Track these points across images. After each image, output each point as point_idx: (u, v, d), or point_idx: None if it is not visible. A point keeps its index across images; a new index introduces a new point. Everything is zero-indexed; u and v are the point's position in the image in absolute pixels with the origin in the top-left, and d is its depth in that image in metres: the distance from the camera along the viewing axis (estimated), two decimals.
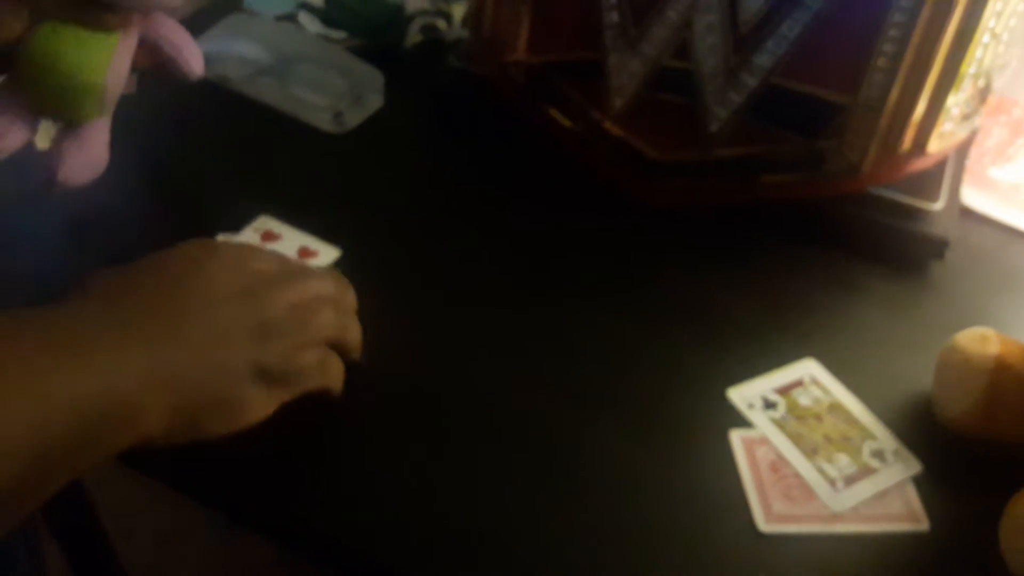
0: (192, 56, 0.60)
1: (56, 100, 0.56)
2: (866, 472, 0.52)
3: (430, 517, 0.49)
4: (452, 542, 0.48)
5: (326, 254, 0.63)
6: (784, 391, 0.56)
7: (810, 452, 0.53)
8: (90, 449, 0.42)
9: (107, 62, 0.56)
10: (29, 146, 0.58)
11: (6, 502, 0.39)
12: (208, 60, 0.78)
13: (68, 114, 0.58)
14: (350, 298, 0.55)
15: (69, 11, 0.53)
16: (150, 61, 0.59)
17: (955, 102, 0.62)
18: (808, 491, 0.51)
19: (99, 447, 0.43)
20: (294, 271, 0.53)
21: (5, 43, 0.52)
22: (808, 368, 0.58)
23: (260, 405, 0.48)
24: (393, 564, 0.48)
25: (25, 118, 0.56)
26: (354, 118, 0.75)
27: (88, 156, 0.59)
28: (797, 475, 0.52)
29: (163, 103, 0.76)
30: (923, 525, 0.50)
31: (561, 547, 0.48)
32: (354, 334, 0.54)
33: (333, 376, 0.52)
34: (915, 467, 0.52)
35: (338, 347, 0.53)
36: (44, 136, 0.61)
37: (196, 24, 0.82)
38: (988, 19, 0.58)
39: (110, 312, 0.46)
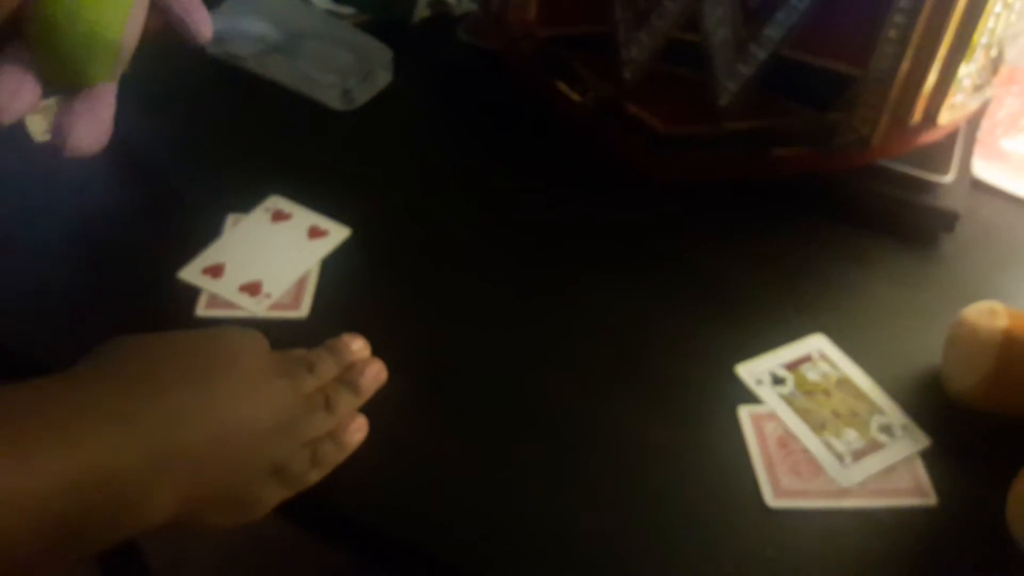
0: (202, 19, 0.60)
1: (71, 60, 0.55)
2: (874, 447, 0.52)
3: (433, 488, 0.50)
4: (460, 517, 0.49)
5: (336, 233, 0.63)
6: (792, 366, 0.56)
7: (818, 427, 0.53)
8: (89, 533, 0.41)
9: (124, 18, 0.55)
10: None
11: None
12: (217, 37, 0.78)
13: (80, 76, 0.57)
14: (355, 371, 0.53)
15: None
16: (159, 21, 0.58)
17: (966, 73, 0.62)
18: (816, 466, 0.51)
19: (99, 532, 0.41)
20: (312, 361, 0.51)
21: (9, 9, 0.52)
22: (817, 343, 0.58)
23: (268, 503, 0.47)
24: (400, 536, 0.49)
25: (33, 81, 0.55)
26: (363, 95, 0.75)
27: (97, 123, 0.59)
28: (805, 450, 0.52)
29: (171, 81, 0.76)
30: (931, 499, 0.50)
31: (570, 521, 0.49)
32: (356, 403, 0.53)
33: (331, 464, 0.50)
34: (923, 441, 0.52)
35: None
36: (36, 124, 0.61)
37: (206, 2, 0.82)
38: None
39: (126, 384, 0.44)
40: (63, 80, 0.57)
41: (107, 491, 0.40)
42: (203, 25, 0.59)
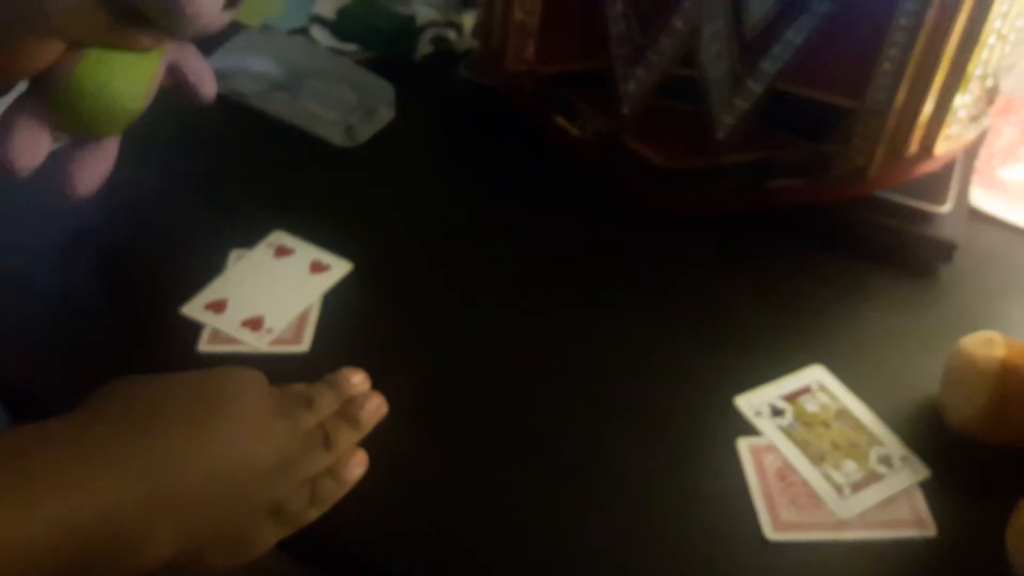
0: (209, 81, 0.61)
1: (91, 123, 0.57)
2: (873, 478, 0.52)
3: (433, 519, 0.50)
4: (454, 543, 0.49)
5: (338, 268, 0.64)
6: (791, 398, 0.56)
7: (817, 459, 0.53)
8: (90, 575, 0.41)
9: (148, 88, 0.57)
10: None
11: None
12: (222, 76, 0.79)
13: (95, 135, 0.58)
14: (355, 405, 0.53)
15: (111, 39, 0.53)
16: (169, 83, 0.60)
17: (962, 104, 0.62)
18: (815, 498, 0.51)
19: (100, 573, 0.41)
20: (311, 396, 0.52)
21: (35, 71, 0.53)
22: (815, 374, 0.58)
23: (266, 542, 0.48)
24: (408, 571, 0.49)
25: (48, 136, 0.56)
26: (366, 131, 0.76)
27: (101, 168, 0.60)
28: (804, 482, 0.52)
29: (176, 120, 0.77)
30: (930, 531, 0.50)
31: (567, 552, 0.49)
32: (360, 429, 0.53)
33: (331, 501, 0.50)
34: (922, 472, 0.52)
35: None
36: None
37: (210, 40, 0.83)
38: (994, 20, 0.58)
39: (125, 428, 0.44)
40: (75, 135, 0.58)
41: (107, 533, 0.41)
42: (210, 87, 0.61)
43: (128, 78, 0.55)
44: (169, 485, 0.43)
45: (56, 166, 0.59)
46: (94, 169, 0.60)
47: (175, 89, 0.60)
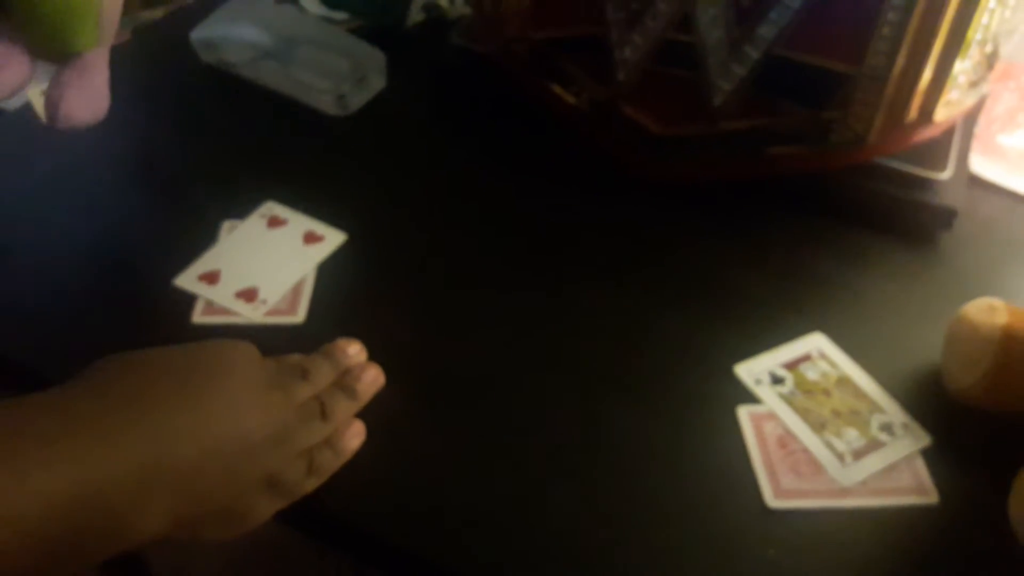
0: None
1: (53, 28, 0.55)
2: (875, 446, 0.52)
3: (434, 494, 0.50)
4: (458, 519, 0.49)
5: (332, 238, 0.63)
6: (792, 366, 0.56)
7: (818, 427, 0.53)
8: (82, 550, 0.40)
9: None
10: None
11: None
12: (211, 44, 0.78)
13: (66, 44, 0.56)
14: (353, 376, 0.53)
15: None
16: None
17: (962, 69, 0.61)
18: (817, 466, 0.51)
19: (92, 548, 0.41)
20: (307, 368, 0.51)
21: None
22: (816, 342, 0.57)
23: (263, 514, 0.47)
24: (401, 542, 0.48)
25: (21, 53, 0.55)
26: (357, 100, 0.75)
27: (89, 91, 0.58)
28: (805, 450, 0.52)
29: (165, 89, 0.76)
30: (932, 498, 0.50)
31: (568, 523, 0.49)
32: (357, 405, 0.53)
33: (328, 472, 0.50)
34: (924, 440, 0.52)
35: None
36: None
37: (199, 9, 0.82)
38: None
39: (117, 401, 0.43)
40: (51, 50, 0.56)
41: (98, 508, 0.40)
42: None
43: None
44: (161, 459, 0.42)
45: (48, 99, 0.57)
46: (83, 90, 0.58)
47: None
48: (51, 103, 0.57)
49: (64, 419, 0.41)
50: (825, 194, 0.67)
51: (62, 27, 0.55)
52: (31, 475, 0.38)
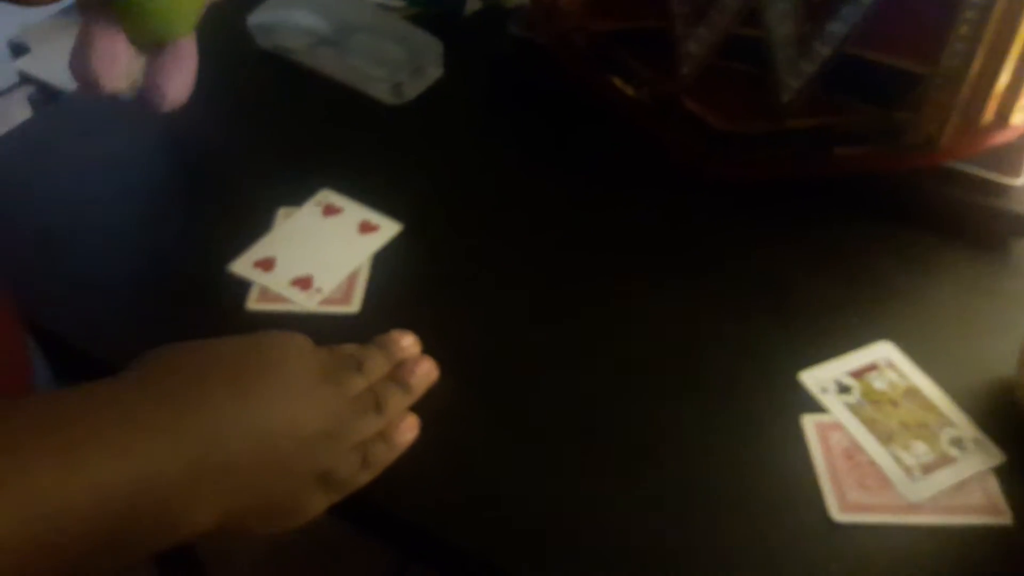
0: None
1: (160, 20, 0.56)
2: (944, 461, 0.50)
3: (487, 492, 0.49)
4: (505, 511, 0.48)
5: (388, 228, 0.62)
6: (858, 375, 0.54)
7: (885, 439, 0.51)
8: (132, 542, 0.40)
9: None
10: None
11: None
12: (268, 29, 0.78)
13: (166, 34, 0.57)
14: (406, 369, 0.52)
15: None
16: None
17: None
18: (884, 479, 0.49)
19: (142, 540, 0.41)
20: (361, 359, 0.50)
21: None
22: (884, 351, 0.56)
23: (315, 509, 0.47)
24: (455, 538, 0.48)
25: (126, 44, 0.56)
26: (413, 89, 0.74)
27: (186, 74, 0.59)
28: (872, 462, 0.50)
29: (222, 75, 0.76)
30: (1005, 518, 0.48)
31: (629, 529, 0.48)
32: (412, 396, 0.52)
33: (382, 465, 0.49)
34: (997, 457, 0.50)
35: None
36: None
37: None
38: None
39: (169, 394, 0.43)
40: (152, 39, 0.58)
41: (148, 502, 0.40)
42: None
43: None
44: (213, 454, 0.42)
45: (143, 84, 0.58)
46: (178, 77, 0.58)
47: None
48: (156, 89, 0.57)
49: (117, 412, 0.41)
50: (893, 197, 0.65)
51: (168, 21, 0.57)
52: (85, 467, 0.38)
